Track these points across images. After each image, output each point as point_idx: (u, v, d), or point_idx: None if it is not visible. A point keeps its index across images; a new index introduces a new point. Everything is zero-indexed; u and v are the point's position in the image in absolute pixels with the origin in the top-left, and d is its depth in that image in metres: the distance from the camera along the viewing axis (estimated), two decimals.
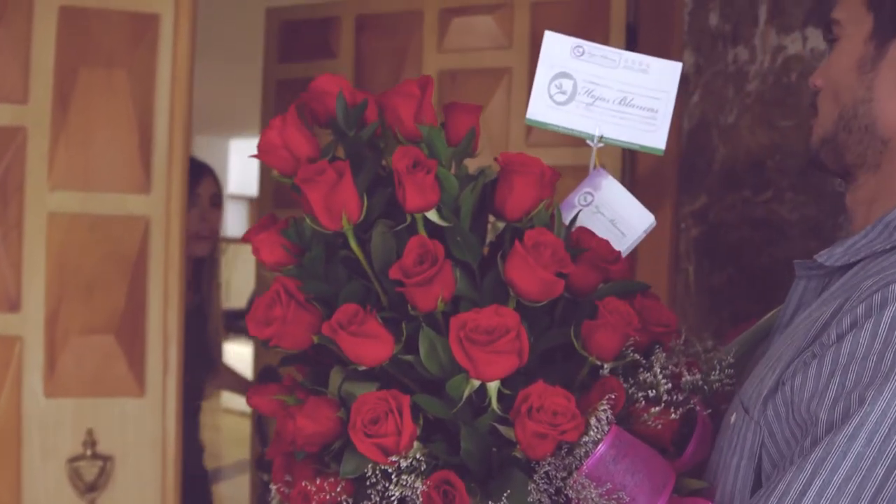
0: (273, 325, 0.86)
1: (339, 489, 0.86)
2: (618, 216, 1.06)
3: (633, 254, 1.92)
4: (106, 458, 1.73)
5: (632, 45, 2.04)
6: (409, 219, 0.89)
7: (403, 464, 0.81)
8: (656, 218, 1.85)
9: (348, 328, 0.83)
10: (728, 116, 1.68)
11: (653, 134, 1.06)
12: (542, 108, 1.07)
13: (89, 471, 1.72)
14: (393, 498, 0.81)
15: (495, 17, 2.27)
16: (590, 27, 2.11)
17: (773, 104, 1.57)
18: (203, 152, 8.52)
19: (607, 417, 0.82)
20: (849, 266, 0.82)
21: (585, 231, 0.97)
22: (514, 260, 0.85)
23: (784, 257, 1.53)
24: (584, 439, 0.81)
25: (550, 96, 1.08)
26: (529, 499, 0.82)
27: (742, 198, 1.63)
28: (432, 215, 0.90)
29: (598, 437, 0.81)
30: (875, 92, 0.81)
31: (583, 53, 1.08)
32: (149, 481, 1.76)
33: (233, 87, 6.77)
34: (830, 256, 0.84)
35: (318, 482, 0.87)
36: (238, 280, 8.14)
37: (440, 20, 2.34)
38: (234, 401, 6.31)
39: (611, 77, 1.06)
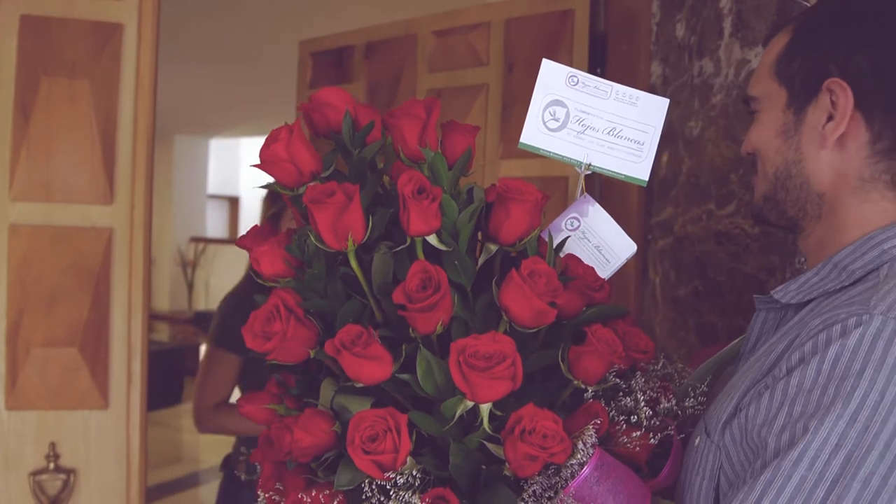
0: (272, 340, 0.88)
1: (335, 502, 0.89)
2: (602, 243, 1.10)
3: None
4: (69, 472, 1.71)
5: (601, 55, 2.04)
6: (408, 240, 0.92)
7: (400, 480, 0.84)
8: (623, 228, 1.85)
9: (352, 349, 0.85)
10: (694, 128, 1.68)
11: (637, 165, 1.11)
12: (536, 133, 1.11)
13: (52, 484, 1.71)
14: None
15: (474, 36, 2.32)
16: (556, 41, 2.12)
17: (736, 117, 1.57)
18: (183, 152, 8.49)
19: (592, 441, 0.86)
20: (805, 302, 0.89)
21: (573, 258, 1.01)
22: (509, 287, 0.89)
23: (746, 271, 1.53)
24: (570, 461, 0.85)
25: (544, 122, 1.11)
26: None
27: (706, 210, 1.63)
28: (432, 239, 0.93)
29: (584, 459, 0.85)
30: (802, 153, 0.89)
31: (577, 83, 1.11)
32: (113, 494, 1.75)
33: (213, 88, 6.74)
34: (785, 294, 0.90)
35: (313, 493, 0.89)
36: (217, 281, 8.10)
37: (431, 42, 2.44)
38: None
39: (602, 108, 1.10)
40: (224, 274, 7.67)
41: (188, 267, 8.13)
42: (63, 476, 1.71)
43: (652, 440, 0.89)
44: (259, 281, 0.97)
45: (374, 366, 0.86)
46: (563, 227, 1.10)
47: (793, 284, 0.90)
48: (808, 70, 0.89)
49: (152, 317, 7.66)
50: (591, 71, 2.04)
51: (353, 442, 0.83)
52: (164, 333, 7.84)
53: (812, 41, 0.89)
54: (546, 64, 1.11)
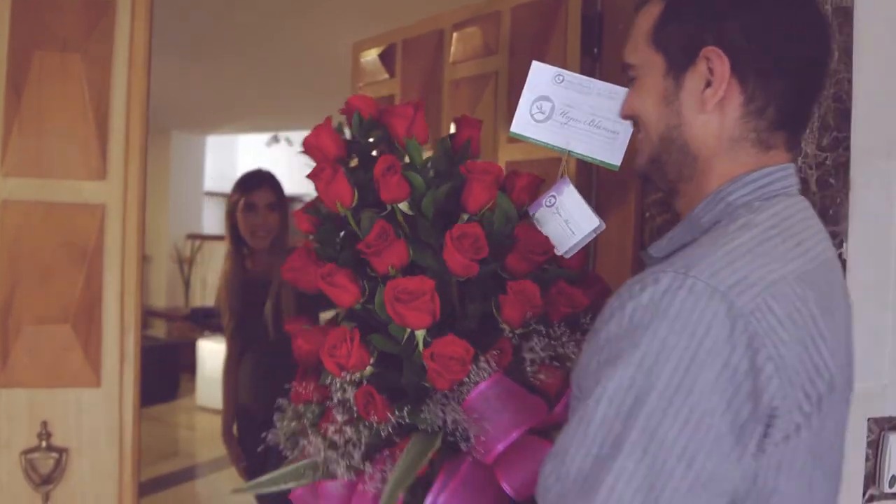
0: (292, 272, 1.32)
1: (316, 394, 1.25)
2: (571, 218, 1.29)
3: (602, 243, 1.91)
4: (61, 451, 1.69)
5: (597, 35, 2.03)
6: (388, 207, 1.23)
7: (348, 377, 1.16)
8: (622, 206, 1.85)
9: (326, 279, 1.21)
10: None
11: (612, 152, 1.26)
12: (524, 124, 1.31)
13: (44, 463, 1.69)
14: (339, 399, 1.17)
15: (485, 26, 2.35)
16: (551, 24, 2.12)
17: None
18: (180, 149, 8.46)
19: (490, 366, 1.10)
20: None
21: (527, 229, 1.23)
22: (446, 245, 1.16)
23: None
24: (468, 379, 1.10)
25: (531, 115, 1.31)
26: (423, 415, 1.12)
27: None
28: (404, 206, 1.23)
29: (478, 379, 1.09)
30: (683, 117, 0.95)
31: (562, 81, 1.29)
32: (105, 474, 1.73)
33: (210, 86, 6.72)
34: (658, 249, 0.98)
35: (304, 385, 1.27)
36: (214, 278, 8.05)
37: (453, 36, 2.51)
38: (209, 399, 6.27)
39: (584, 102, 1.26)
40: (220, 271, 7.63)
41: (184, 264, 8.10)
42: (55, 455, 1.69)
43: (542, 376, 1.12)
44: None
45: (341, 293, 1.20)
46: (543, 203, 1.29)
47: (663, 240, 0.97)
48: (683, 38, 0.93)
49: (149, 313, 7.64)
50: (587, 52, 2.03)
51: (324, 349, 1.17)
52: (160, 330, 7.81)
53: (685, 9, 0.94)
54: (535, 65, 1.30)
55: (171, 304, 8.12)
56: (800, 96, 0.93)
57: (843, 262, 1.47)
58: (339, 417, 1.16)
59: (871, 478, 1.54)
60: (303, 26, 4.85)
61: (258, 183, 2.86)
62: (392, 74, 2.82)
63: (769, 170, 0.92)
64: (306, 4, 4.48)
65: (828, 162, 1.44)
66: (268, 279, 2.78)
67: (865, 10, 1.44)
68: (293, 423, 1.26)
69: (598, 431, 0.82)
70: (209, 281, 7.92)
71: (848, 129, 1.46)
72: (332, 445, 1.17)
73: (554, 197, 1.29)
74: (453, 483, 1.09)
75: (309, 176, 1.21)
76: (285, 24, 4.82)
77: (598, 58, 2.03)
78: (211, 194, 8.91)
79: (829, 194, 1.44)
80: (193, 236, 8.29)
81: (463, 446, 1.10)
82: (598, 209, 1.98)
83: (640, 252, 1.03)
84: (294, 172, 3.08)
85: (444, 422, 1.10)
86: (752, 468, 0.82)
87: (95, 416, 1.72)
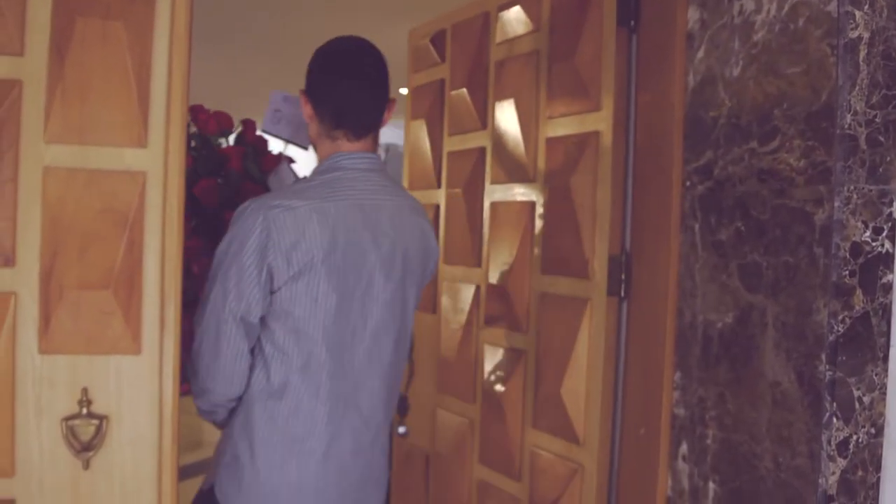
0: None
1: None
2: (284, 180, 2.16)
3: (642, 210, 1.89)
4: (101, 418, 1.69)
5: (634, 6, 2.01)
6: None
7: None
8: (663, 175, 1.84)
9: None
10: (734, 69, 1.66)
11: (306, 140, 2.07)
12: (268, 124, 2.22)
13: (85, 430, 1.69)
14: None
15: (527, 5, 2.39)
16: None
17: (779, 52, 1.54)
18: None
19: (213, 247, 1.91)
20: None
21: (253, 186, 2.29)
22: (195, 190, 2.42)
23: (791, 206, 1.50)
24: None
25: (272, 120, 2.21)
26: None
27: (749, 150, 1.60)
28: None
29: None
30: (311, 128, 1.82)
31: (286, 100, 2.21)
32: (145, 442, 1.73)
33: (234, 77, 6.75)
34: None
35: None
36: None
37: (498, 18, 2.56)
38: None
39: (295, 111, 2.22)
40: None
41: None
42: (95, 422, 1.69)
43: None
44: None
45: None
46: (273, 171, 2.22)
47: None
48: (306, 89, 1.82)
49: None
50: (623, 23, 2.02)
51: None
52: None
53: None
54: (273, 93, 2.21)
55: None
56: (340, 108, 1.75)
57: (894, 222, 1.45)
58: None
59: None
60: (325, 19, 4.85)
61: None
62: (443, 59, 2.87)
63: (334, 156, 1.76)
64: None
65: (877, 119, 1.42)
66: None
67: None
68: None
69: (210, 272, 1.71)
70: None
71: None
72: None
73: (276, 169, 2.17)
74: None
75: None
76: (310, 14, 4.83)
77: (634, 29, 2.02)
78: None
79: (878, 152, 1.42)
80: None
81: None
82: (637, 177, 1.98)
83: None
84: (314, 162, 3.18)
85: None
86: (269, 297, 1.67)
87: (135, 383, 1.72)
